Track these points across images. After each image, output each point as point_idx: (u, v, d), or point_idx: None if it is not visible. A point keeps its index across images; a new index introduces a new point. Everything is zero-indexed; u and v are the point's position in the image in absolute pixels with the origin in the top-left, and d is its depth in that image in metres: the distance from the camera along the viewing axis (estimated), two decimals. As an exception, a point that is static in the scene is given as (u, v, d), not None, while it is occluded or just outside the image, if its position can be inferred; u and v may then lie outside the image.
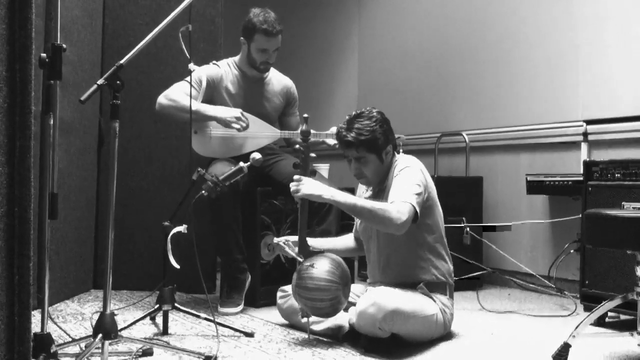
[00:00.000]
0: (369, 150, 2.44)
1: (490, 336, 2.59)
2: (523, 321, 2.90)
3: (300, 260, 2.42)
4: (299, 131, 3.36)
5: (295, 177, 2.40)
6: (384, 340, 2.28)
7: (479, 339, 2.53)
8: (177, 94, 3.05)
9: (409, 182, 2.37)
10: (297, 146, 2.55)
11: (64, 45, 1.78)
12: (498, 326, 2.77)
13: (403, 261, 2.48)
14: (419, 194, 2.35)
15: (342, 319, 2.48)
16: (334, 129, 3.04)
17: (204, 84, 3.12)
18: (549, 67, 3.67)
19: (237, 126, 3.02)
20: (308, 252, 2.45)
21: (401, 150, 2.63)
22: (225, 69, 3.24)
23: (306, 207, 2.46)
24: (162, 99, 3.07)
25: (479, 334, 2.61)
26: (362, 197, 2.63)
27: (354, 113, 2.50)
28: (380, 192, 2.53)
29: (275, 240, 2.59)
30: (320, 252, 2.46)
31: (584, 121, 3.43)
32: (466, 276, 3.43)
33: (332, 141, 3.15)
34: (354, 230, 2.78)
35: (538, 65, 3.73)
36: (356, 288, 2.64)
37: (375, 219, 2.30)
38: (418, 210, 2.32)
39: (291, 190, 2.38)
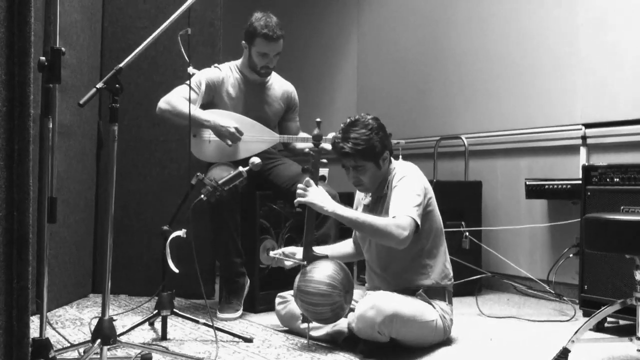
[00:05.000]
0: (366, 158, 2.42)
1: (489, 341, 2.58)
2: (522, 326, 2.90)
3: (304, 264, 2.41)
4: (298, 135, 3.38)
5: (306, 180, 2.39)
6: (383, 345, 2.28)
7: (478, 344, 2.53)
8: (176, 99, 3.05)
9: (409, 193, 2.37)
10: (307, 150, 2.54)
11: (63, 49, 1.77)
12: (497, 331, 2.77)
13: (402, 267, 2.48)
14: (419, 205, 2.35)
15: (341, 324, 2.47)
16: (331, 135, 3.03)
17: (203, 87, 3.12)
18: (548, 70, 3.67)
19: (229, 141, 3.02)
20: (312, 257, 2.44)
21: (400, 156, 2.62)
22: (227, 72, 3.23)
23: (314, 212, 2.46)
24: (162, 104, 3.08)
25: (477, 339, 2.60)
26: (361, 204, 2.63)
27: (348, 121, 2.46)
28: (379, 199, 2.52)
29: (272, 254, 2.63)
30: (324, 257, 2.45)
31: (583, 124, 3.43)
32: (465, 279, 3.42)
33: (328, 146, 3.13)
34: (353, 235, 2.78)
35: (537, 69, 3.74)
36: (355, 293, 2.63)
37: (377, 234, 2.30)
38: (419, 222, 2.33)
39: (297, 192, 2.38)
